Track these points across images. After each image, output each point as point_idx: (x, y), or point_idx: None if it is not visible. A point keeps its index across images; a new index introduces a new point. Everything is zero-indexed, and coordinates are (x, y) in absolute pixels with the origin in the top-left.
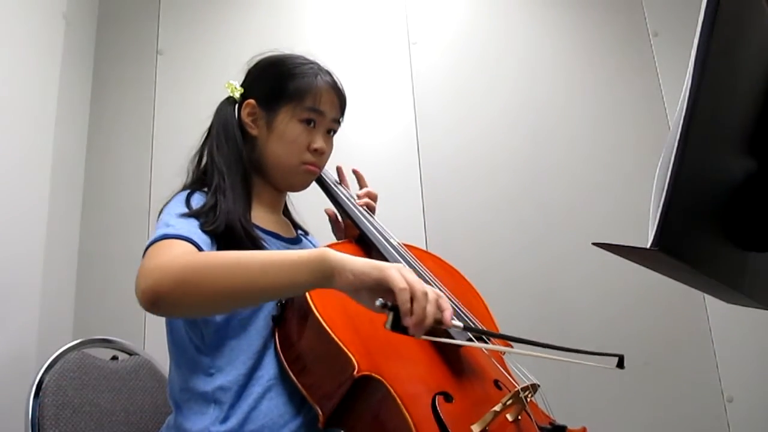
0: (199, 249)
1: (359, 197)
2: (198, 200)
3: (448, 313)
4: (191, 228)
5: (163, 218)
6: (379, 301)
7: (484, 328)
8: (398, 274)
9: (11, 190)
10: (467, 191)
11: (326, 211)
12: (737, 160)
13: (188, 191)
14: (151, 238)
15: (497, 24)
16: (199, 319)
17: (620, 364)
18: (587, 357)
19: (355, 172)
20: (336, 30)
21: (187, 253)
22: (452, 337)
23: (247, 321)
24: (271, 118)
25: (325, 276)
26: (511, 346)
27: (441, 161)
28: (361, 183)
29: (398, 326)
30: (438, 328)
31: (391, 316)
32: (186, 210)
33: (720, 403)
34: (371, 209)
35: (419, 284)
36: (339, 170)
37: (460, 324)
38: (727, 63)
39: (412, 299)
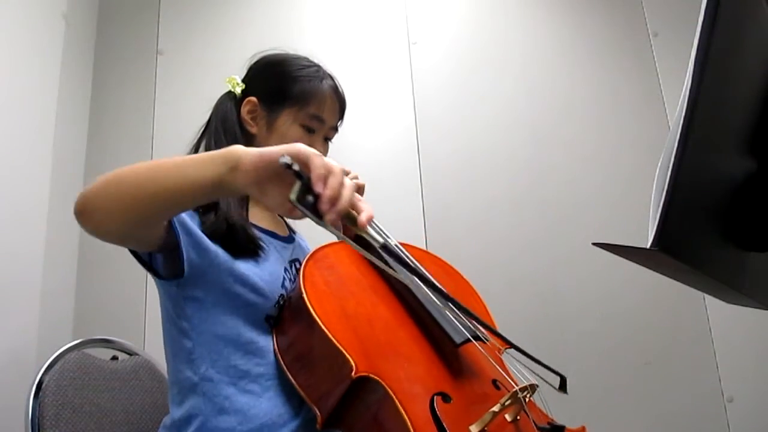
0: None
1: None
2: None
3: (365, 215)
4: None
5: None
6: (283, 159)
7: (413, 263)
8: (310, 148)
9: (11, 190)
10: (467, 191)
11: None
12: (737, 160)
13: None
14: None
15: (497, 24)
16: (178, 292)
17: (563, 387)
18: (535, 366)
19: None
20: (336, 30)
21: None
22: (386, 262)
23: (236, 313)
24: (273, 118)
25: (229, 166)
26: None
27: (441, 161)
28: None
29: (306, 196)
30: (358, 235)
31: (298, 183)
32: None
33: (720, 403)
34: (360, 188)
35: (337, 164)
36: None
37: (380, 239)
38: (727, 63)
39: (326, 175)
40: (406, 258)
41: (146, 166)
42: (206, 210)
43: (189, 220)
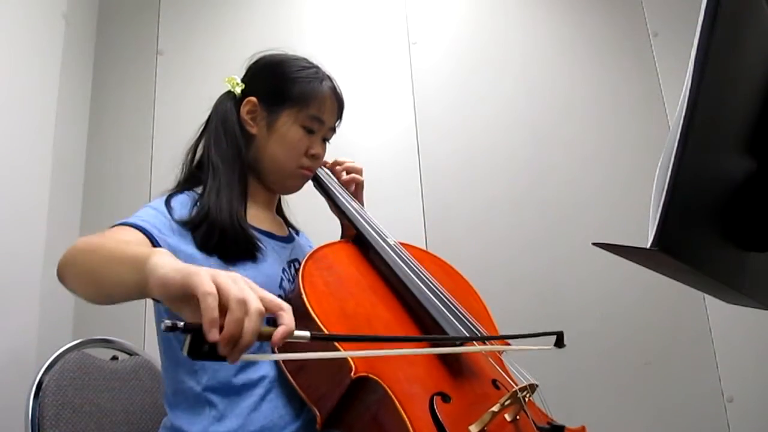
0: (150, 237)
1: (343, 174)
2: (181, 201)
3: (279, 332)
4: (145, 217)
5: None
6: (164, 324)
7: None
8: (207, 276)
9: (11, 190)
10: (467, 191)
11: None
12: (737, 160)
13: (171, 192)
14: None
15: (497, 24)
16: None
17: (559, 343)
18: (527, 341)
19: (335, 162)
20: (336, 30)
21: (92, 237)
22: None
23: None
24: (273, 119)
25: (142, 282)
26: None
27: (441, 161)
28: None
29: (200, 349)
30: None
31: (188, 338)
32: (161, 205)
33: (720, 403)
34: (358, 185)
35: (236, 289)
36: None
37: (306, 334)
38: (727, 63)
39: (223, 309)
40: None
41: (94, 254)
42: (197, 223)
43: (181, 242)
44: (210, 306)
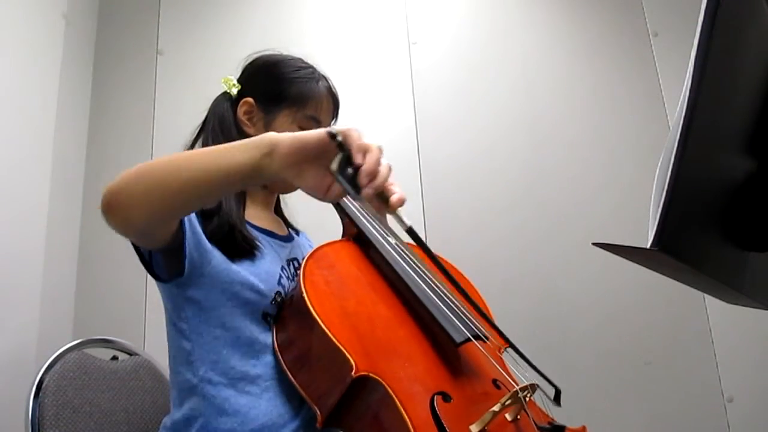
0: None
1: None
2: None
3: (398, 195)
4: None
5: None
6: (329, 130)
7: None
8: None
9: (11, 190)
10: (467, 191)
11: None
12: (737, 160)
13: None
14: None
15: (497, 24)
16: (178, 293)
17: (557, 399)
18: (534, 374)
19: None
20: (336, 30)
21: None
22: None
23: (234, 312)
24: (270, 119)
25: (264, 152)
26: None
27: (441, 161)
28: None
29: (346, 168)
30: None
31: (340, 154)
32: None
33: (720, 403)
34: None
35: (375, 143)
36: None
37: (407, 222)
38: (727, 63)
39: (366, 149)
40: (428, 248)
41: (175, 157)
42: (209, 213)
43: (195, 219)
44: (357, 137)
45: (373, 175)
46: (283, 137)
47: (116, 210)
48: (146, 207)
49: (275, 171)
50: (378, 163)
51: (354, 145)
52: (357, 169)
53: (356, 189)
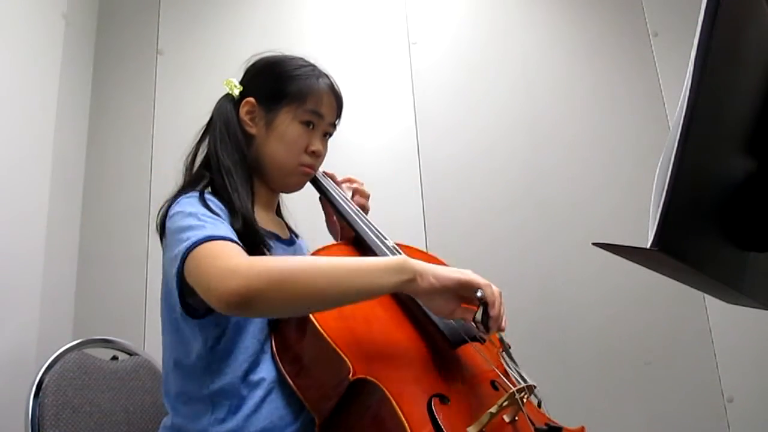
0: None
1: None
2: (214, 202)
3: (505, 321)
4: (227, 230)
5: (185, 221)
6: (479, 293)
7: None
8: (475, 275)
9: (11, 190)
10: (467, 191)
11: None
12: (737, 160)
13: (197, 192)
14: (191, 240)
15: (497, 24)
16: (209, 321)
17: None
18: (533, 368)
19: (349, 180)
20: (336, 30)
21: (268, 258)
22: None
23: (242, 324)
24: (272, 117)
25: (408, 279)
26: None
27: (441, 161)
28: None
29: (485, 317)
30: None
31: (482, 308)
32: (205, 210)
33: (720, 403)
34: (364, 209)
35: (496, 289)
36: (332, 177)
37: (506, 342)
38: (727, 63)
39: (495, 301)
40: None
41: (316, 268)
42: (228, 211)
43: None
44: (491, 294)
45: (500, 320)
46: (426, 270)
47: (257, 306)
48: (284, 311)
49: (416, 294)
50: (501, 308)
51: (489, 300)
52: (488, 316)
53: (487, 330)
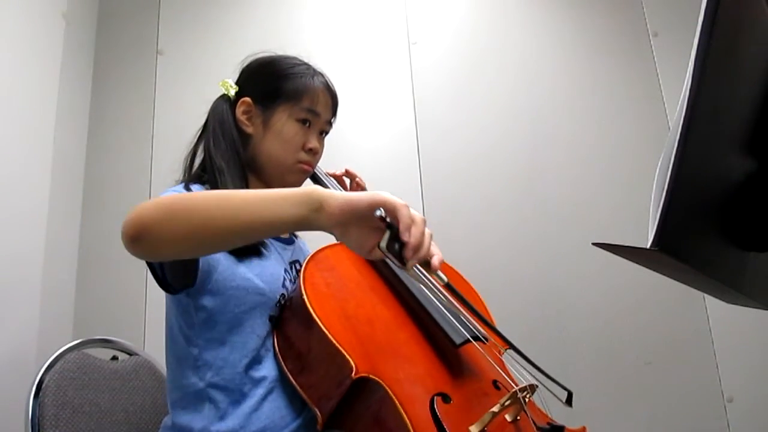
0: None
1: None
2: (198, 190)
3: (437, 258)
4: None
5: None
6: (378, 212)
7: (466, 306)
8: (393, 196)
9: (11, 190)
10: (467, 191)
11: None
12: (737, 160)
13: (183, 183)
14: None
15: (497, 24)
16: (189, 302)
17: (569, 401)
18: (543, 378)
19: (348, 172)
20: (336, 30)
21: (175, 194)
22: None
23: (240, 317)
24: (268, 116)
25: (312, 208)
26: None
27: (441, 161)
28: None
29: (394, 244)
30: (420, 275)
31: (388, 232)
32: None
33: (720, 403)
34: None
35: (419, 215)
36: (333, 175)
37: (444, 278)
38: (727, 63)
39: (411, 225)
40: (465, 300)
41: (215, 198)
42: None
43: None
44: (406, 215)
45: (417, 249)
46: (333, 195)
47: (145, 244)
48: (180, 245)
49: (321, 226)
50: (422, 236)
51: (402, 223)
52: (403, 244)
53: (402, 261)
